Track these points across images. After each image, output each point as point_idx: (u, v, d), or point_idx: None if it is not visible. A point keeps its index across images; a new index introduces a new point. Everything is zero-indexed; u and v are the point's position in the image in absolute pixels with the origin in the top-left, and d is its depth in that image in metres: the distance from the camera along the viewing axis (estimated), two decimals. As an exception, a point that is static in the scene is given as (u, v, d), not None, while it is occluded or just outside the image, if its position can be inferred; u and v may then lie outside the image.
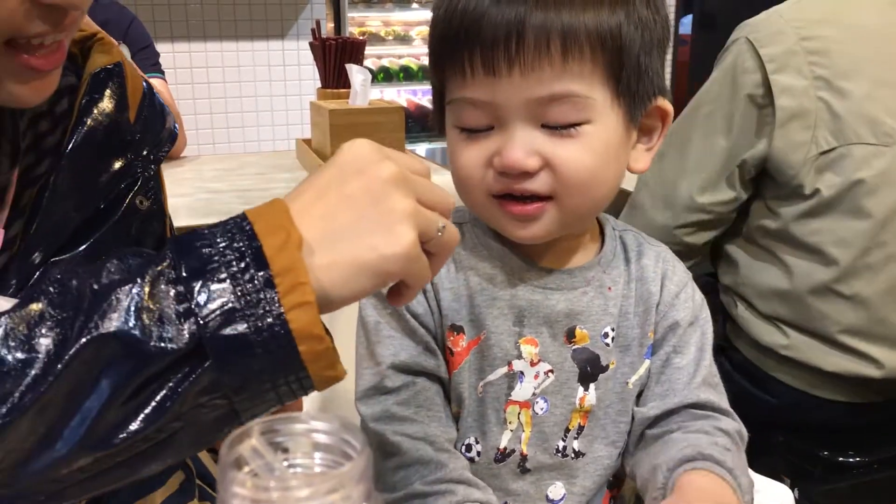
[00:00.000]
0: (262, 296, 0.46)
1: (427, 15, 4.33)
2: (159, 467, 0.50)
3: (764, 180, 1.36)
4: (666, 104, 0.74)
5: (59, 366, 0.45)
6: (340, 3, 3.88)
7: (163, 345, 0.46)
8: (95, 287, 0.47)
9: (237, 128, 3.87)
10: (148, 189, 0.74)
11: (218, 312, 0.46)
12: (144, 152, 0.74)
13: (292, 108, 3.91)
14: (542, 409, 0.78)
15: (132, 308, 0.46)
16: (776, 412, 1.40)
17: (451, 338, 0.77)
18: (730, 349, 1.48)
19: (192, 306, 0.46)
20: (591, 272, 0.79)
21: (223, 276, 0.47)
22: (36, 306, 0.47)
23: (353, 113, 1.99)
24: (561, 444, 0.79)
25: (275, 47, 3.84)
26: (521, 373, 0.77)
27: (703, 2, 4.09)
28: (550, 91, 0.67)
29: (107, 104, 0.70)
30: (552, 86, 0.67)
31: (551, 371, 0.77)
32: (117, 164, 0.71)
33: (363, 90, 1.99)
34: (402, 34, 4.26)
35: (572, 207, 0.71)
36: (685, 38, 4.63)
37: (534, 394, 0.77)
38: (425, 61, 4.26)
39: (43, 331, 0.46)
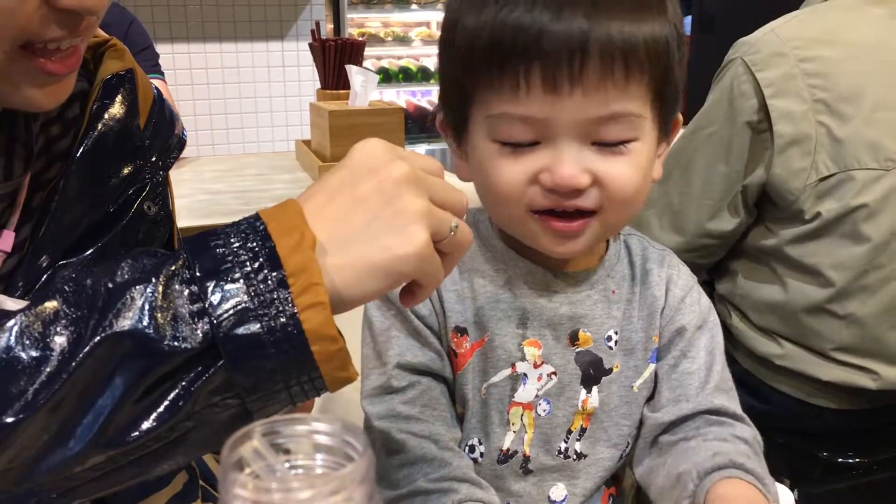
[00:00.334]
0: (275, 296, 0.47)
1: (427, 16, 4.33)
2: (171, 466, 0.50)
3: (764, 204, 1.35)
4: (679, 116, 0.75)
5: (73, 364, 0.45)
6: (340, 4, 3.89)
7: (176, 344, 0.46)
8: (110, 286, 0.47)
9: (237, 129, 3.87)
10: (156, 195, 0.74)
11: (231, 312, 0.46)
12: (153, 158, 0.74)
13: (292, 110, 3.91)
14: (544, 410, 0.78)
15: (146, 307, 0.46)
16: (773, 419, 1.39)
17: (455, 339, 0.77)
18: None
19: (206, 306, 0.46)
20: (596, 276, 0.79)
21: (237, 275, 0.47)
22: (51, 304, 0.47)
23: (352, 114, 1.99)
24: (563, 445, 0.79)
25: (274, 48, 3.84)
26: (525, 375, 0.77)
27: (701, 3, 4.08)
28: (611, 111, 0.66)
29: (118, 110, 0.70)
30: (613, 106, 0.66)
31: (554, 373, 0.78)
32: (126, 170, 0.71)
33: (363, 91, 1.99)
34: (401, 35, 4.26)
35: (613, 222, 0.72)
36: (685, 39, 4.63)
37: (536, 396, 0.78)
38: (424, 62, 4.26)
39: (57, 329, 0.46)
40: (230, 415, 0.49)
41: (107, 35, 0.73)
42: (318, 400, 1.08)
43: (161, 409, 0.46)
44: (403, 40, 4.26)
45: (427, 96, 4.44)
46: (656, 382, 0.82)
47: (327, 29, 3.90)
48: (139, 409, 0.46)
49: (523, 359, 0.77)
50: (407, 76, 4.18)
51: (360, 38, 2.27)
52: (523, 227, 0.72)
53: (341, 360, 0.49)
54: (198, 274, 0.47)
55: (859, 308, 1.28)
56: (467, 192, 0.59)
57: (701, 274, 1.52)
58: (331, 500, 0.34)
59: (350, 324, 0.80)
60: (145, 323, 0.46)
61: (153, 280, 0.47)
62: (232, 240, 0.48)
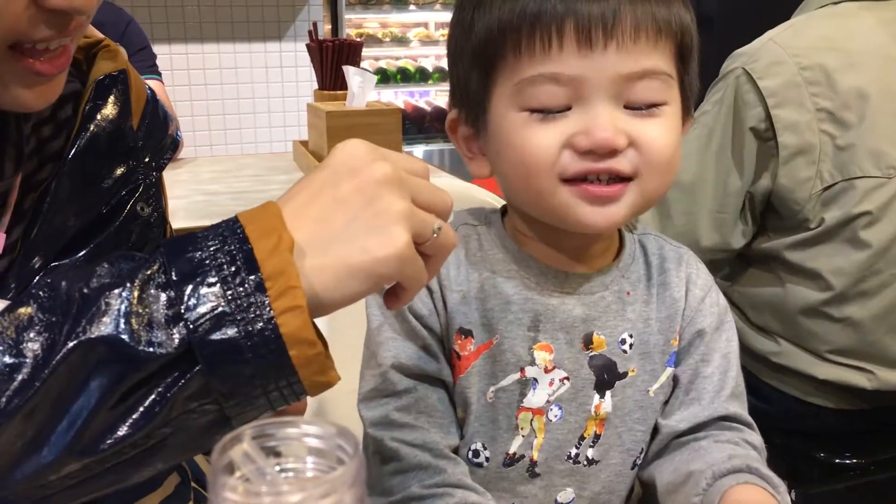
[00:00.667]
0: (252, 300, 0.46)
1: (424, 17, 4.34)
2: (150, 473, 0.50)
3: (768, 212, 1.35)
4: (692, 111, 0.76)
5: (47, 370, 0.45)
6: (338, 4, 3.88)
7: (151, 349, 0.45)
8: (85, 291, 0.47)
9: (234, 129, 3.87)
10: (149, 196, 0.74)
11: (208, 317, 0.46)
12: (146, 159, 0.74)
13: (289, 110, 3.91)
14: (556, 416, 0.76)
15: (121, 312, 0.46)
16: (773, 419, 1.39)
17: (459, 341, 0.76)
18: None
19: (182, 310, 0.46)
20: (610, 276, 0.78)
21: (213, 279, 0.46)
22: (25, 310, 0.46)
23: (350, 115, 1.99)
24: (574, 451, 0.78)
25: (272, 49, 3.84)
26: (535, 379, 0.76)
27: (699, 3, 4.09)
28: (643, 67, 0.67)
29: (110, 111, 0.70)
30: (644, 62, 0.67)
31: (567, 378, 0.76)
32: (119, 171, 0.71)
33: (360, 92, 1.98)
34: (399, 36, 4.26)
35: (651, 189, 0.70)
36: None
37: (548, 401, 0.76)
38: (422, 63, 4.26)
39: (31, 335, 0.46)
40: (208, 420, 0.48)
41: (100, 35, 0.73)
42: (311, 403, 1.08)
43: (137, 415, 0.46)
44: (401, 41, 4.26)
45: (425, 97, 4.44)
46: (673, 387, 0.81)
47: (325, 29, 3.90)
48: (115, 415, 0.46)
49: (533, 363, 0.75)
50: (405, 77, 4.18)
51: (358, 39, 2.27)
52: (554, 199, 0.69)
53: (320, 365, 0.48)
54: (174, 278, 0.46)
55: (857, 312, 1.29)
56: (453, 193, 0.58)
57: None
58: (321, 502, 0.34)
59: (349, 324, 0.80)
60: (120, 328, 0.45)
61: (128, 285, 0.47)
62: (209, 243, 0.48)
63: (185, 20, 3.66)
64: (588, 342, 0.76)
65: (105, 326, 0.46)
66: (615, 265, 0.78)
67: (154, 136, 0.75)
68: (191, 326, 0.45)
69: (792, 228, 1.31)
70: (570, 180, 0.68)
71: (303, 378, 0.48)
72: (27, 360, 0.45)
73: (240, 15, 3.74)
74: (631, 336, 0.78)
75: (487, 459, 0.78)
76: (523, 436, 0.77)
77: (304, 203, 0.51)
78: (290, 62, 3.87)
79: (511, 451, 0.77)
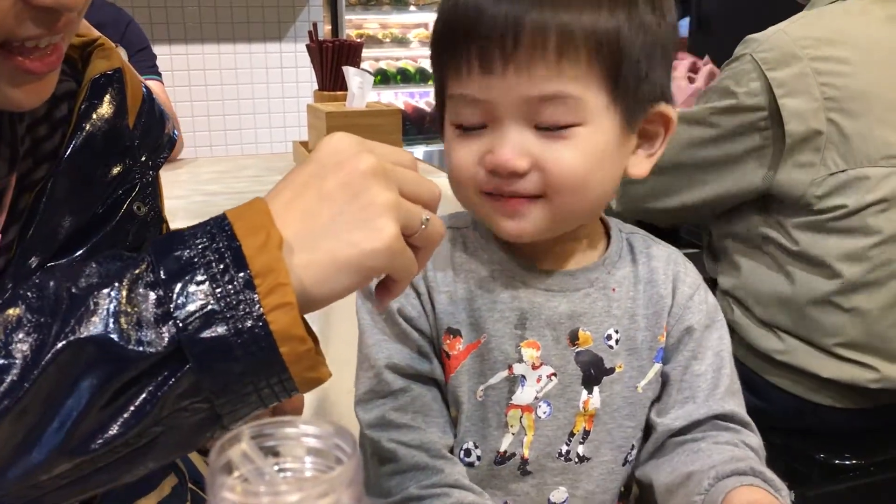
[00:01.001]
0: (241, 297, 0.46)
1: (425, 17, 4.34)
2: (142, 472, 0.50)
3: (771, 197, 1.36)
4: (669, 110, 0.74)
5: (36, 371, 0.45)
6: (338, 5, 3.88)
7: (141, 349, 0.45)
8: (73, 291, 0.47)
9: (234, 130, 3.86)
10: (146, 195, 0.74)
11: (197, 315, 0.46)
12: (143, 158, 0.73)
13: (289, 111, 3.91)
14: (544, 412, 0.77)
15: (110, 312, 0.46)
16: (773, 418, 1.39)
17: (448, 341, 0.77)
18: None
19: (171, 309, 0.46)
20: (595, 273, 0.79)
21: (202, 277, 0.46)
22: (13, 311, 0.46)
23: (350, 115, 1.99)
24: (565, 448, 0.78)
25: (272, 49, 3.83)
26: (523, 376, 0.77)
27: (699, 4, 4.08)
28: (543, 91, 0.67)
29: (106, 110, 0.70)
30: (546, 86, 0.66)
31: (554, 374, 0.77)
32: (115, 170, 0.71)
33: (360, 93, 1.98)
34: (399, 37, 4.26)
35: (562, 208, 0.71)
36: (682, 40, 4.63)
37: (536, 398, 0.77)
38: (423, 64, 4.27)
39: (20, 336, 0.45)
40: (199, 419, 0.48)
41: (96, 34, 0.73)
42: (309, 403, 1.08)
43: (128, 414, 0.46)
44: (401, 42, 4.26)
45: (425, 98, 4.44)
46: (664, 384, 0.81)
47: (325, 30, 3.90)
48: (105, 415, 0.46)
49: (520, 360, 0.76)
50: (405, 77, 4.18)
51: (358, 40, 2.27)
52: (479, 209, 0.74)
53: (311, 361, 0.48)
54: (162, 276, 0.46)
55: (865, 302, 1.30)
56: (448, 194, 0.58)
57: (703, 271, 1.53)
58: (319, 502, 0.34)
59: (347, 325, 0.80)
60: (110, 328, 0.45)
61: (117, 284, 0.47)
62: (198, 241, 0.47)
63: (186, 21, 3.66)
64: (574, 338, 0.77)
65: (94, 326, 0.45)
66: (600, 262, 0.79)
67: (150, 135, 0.74)
68: (180, 325, 0.45)
69: (794, 212, 1.32)
70: (489, 193, 0.71)
71: (294, 375, 0.48)
72: (16, 362, 0.45)
73: (240, 15, 3.74)
74: (617, 332, 0.78)
75: (479, 458, 0.78)
76: (513, 433, 0.77)
77: (291, 199, 0.51)
78: (290, 63, 3.87)
79: (502, 449, 0.78)
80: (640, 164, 0.75)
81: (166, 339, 0.45)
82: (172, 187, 1.93)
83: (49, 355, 0.45)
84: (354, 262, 0.49)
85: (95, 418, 0.46)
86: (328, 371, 0.50)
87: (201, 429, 0.48)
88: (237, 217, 0.49)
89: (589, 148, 0.69)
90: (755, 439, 0.78)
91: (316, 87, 2.22)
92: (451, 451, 0.78)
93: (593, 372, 0.78)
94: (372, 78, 2.02)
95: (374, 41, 4.19)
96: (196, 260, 0.47)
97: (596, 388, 0.78)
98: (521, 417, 0.77)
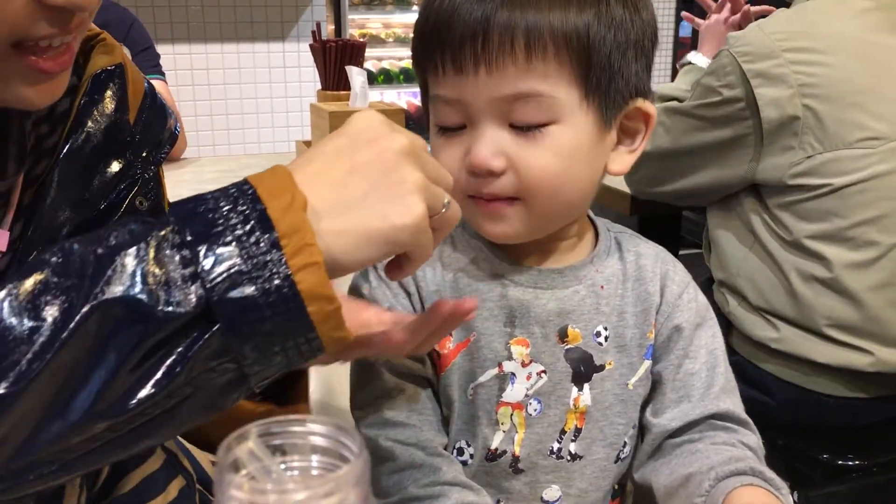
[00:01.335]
0: (268, 258, 0.46)
1: (427, 17, 4.35)
2: (170, 435, 0.50)
3: (756, 182, 1.41)
4: (647, 106, 0.74)
5: (66, 333, 0.45)
6: (341, 5, 3.89)
7: (170, 309, 0.45)
8: (99, 251, 0.47)
9: (237, 129, 3.87)
10: (148, 190, 0.74)
11: (224, 275, 0.46)
12: (144, 153, 0.73)
13: (292, 110, 3.91)
14: (535, 410, 0.77)
15: (137, 273, 0.46)
16: (773, 412, 1.41)
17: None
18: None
19: (199, 270, 0.46)
20: (583, 271, 0.79)
21: (228, 238, 0.46)
22: (39, 275, 0.46)
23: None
24: (556, 445, 0.78)
25: (275, 49, 3.84)
26: (513, 374, 0.77)
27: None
28: (515, 90, 0.67)
29: (107, 105, 0.70)
30: (516, 84, 0.67)
31: (544, 372, 0.77)
32: (117, 166, 0.71)
33: (363, 92, 1.99)
34: (402, 36, 4.27)
35: (540, 210, 0.71)
36: (684, 40, 4.63)
37: (526, 395, 0.77)
38: (426, 63, 4.26)
39: (48, 299, 0.45)
40: (227, 379, 0.48)
41: (97, 29, 0.73)
42: (315, 401, 1.08)
43: (158, 376, 0.46)
44: (405, 41, 4.26)
45: (428, 97, 4.44)
46: (657, 384, 0.81)
47: (328, 30, 3.90)
48: (136, 377, 0.46)
49: (510, 358, 0.77)
50: (408, 77, 4.18)
51: (361, 39, 2.27)
52: (463, 211, 0.73)
53: (338, 320, 0.49)
54: (188, 238, 0.46)
55: (853, 282, 1.33)
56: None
57: (706, 272, 1.58)
58: (326, 501, 0.34)
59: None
60: (138, 289, 0.45)
61: (143, 245, 0.47)
62: (221, 203, 0.48)
63: (189, 20, 3.66)
64: (563, 335, 0.77)
65: (122, 287, 0.45)
66: (588, 260, 0.80)
67: (152, 131, 0.75)
68: (208, 286, 0.46)
69: (780, 193, 1.38)
70: (471, 196, 0.72)
71: (321, 334, 0.48)
72: (46, 324, 0.45)
73: (243, 15, 3.75)
74: (606, 329, 0.79)
75: (471, 457, 0.78)
76: (504, 431, 0.77)
77: (322, 168, 0.52)
78: (294, 62, 3.87)
79: (493, 447, 0.78)
80: (622, 161, 0.75)
81: (194, 300, 0.46)
82: (175, 187, 1.93)
83: (78, 317, 0.45)
84: (383, 234, 0.51)
85: (126, 380, 0.45)
86: (350, 331, 0.50)
87: (228, 389, 0.49)
88: (259, 181, 0.49)
89: (563, 146, 0.69)
90: (753, 438, 0.78)
91: (319, 86, 2.22)
92: (446, 450, 0.78)
93: (583, 369, 0.78)
94: (364, 72, 2.03)
95: (377, 41, 4.20)
96: (221, 222, 0.47)
97: (586, 386, 0.78)
98: (512, 415, 0.77)
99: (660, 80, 4.41)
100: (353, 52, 2.13)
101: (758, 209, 1.42)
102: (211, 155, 3.46)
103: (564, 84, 0.68)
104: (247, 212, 0.47)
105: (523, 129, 0.68)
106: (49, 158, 0.67)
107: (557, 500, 0.80)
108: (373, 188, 0.51)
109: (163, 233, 0.47)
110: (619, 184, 1.65)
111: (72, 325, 0.45)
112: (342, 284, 0.68)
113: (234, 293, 0.46)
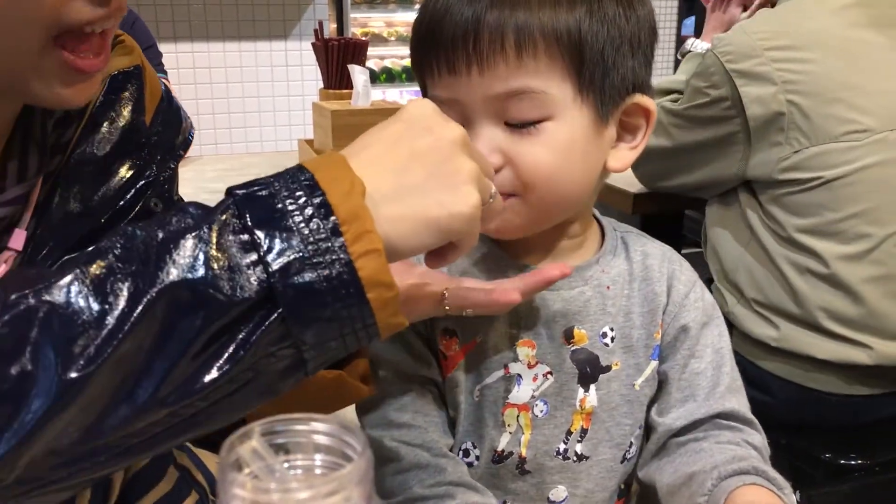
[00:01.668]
0: (329, 244, 0.47)
1: (429, 16, 4.35)
2: (226, 421, 0.49)
3: (748, 179, 1.44)
4: (646, 101, 0.73)
5: (134, 317, 0.45)
6: (343, 3, 3.89)
7: (234, 294, 0.45)
8: (161, 236, 0.47)
9: (239, 128, 3.87)
10: (162, 191, 0.74)
11: (286, 261, 0.46)
12: (159, 156, 0.74)
13: (294, 109, 3.92)
14: (541, 411, 0.77)
15: (201, 257, 0.46)
16: (774, 411, 1.40)
17: (444, 342, 0.77)
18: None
19: (261, 255, 0.46)
20: (589, 271, 0.79)
21: (289, 224, 0.47)
22: (103, 261, 0.46)
23: (355, 114, 1.99)
24: (562, 446, 0.78)
25: (277, 48, 3.84)
26: (519, 375, 0.77)
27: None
28: (507, 87, 0.67)
29: (123, 106, 0.70)
30: (508, 82, 0.67)
31: (550, 373, 0.77)
32: (131, 167, 0.71)
33: (365, 91, 1.99)
34: (404, 35, 4.26)
35: (538, 204, 0.71)
36: (686, 38, 4.62)
37: (532, 396, 0.77)
38: (428, 62, 4.26)
39: (115, 283, 0.45)
40: (286, 365, 0.48)
41: (118, 30, 0.73)
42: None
43: (222, 360, 0.46)
44: (407, 40, 4.26)
45: (430, 96, 4.44)
46: (663, 383, 0.81)
47: (330, 28, 3.90)
48: (200, 361, 0.46)
49: (516, 359, 0.76)
50: (410, 76, 4.18)
51: (364, 38, 2.27)
52: None
53: (395, 307, 0.49)
54: (249, 223, 0.46)
55: (849, 275, 1.33)
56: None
57: (707, 271, 1.58)
58: (329, 500, 0.34)
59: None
60: (201, 273, 0.45)
61: (206, 229, 0.47)
62: (280, 188, 0.48)
63: (191, 19, 3.66)
64: (569, 336, 0.77)
65: (186, 272, 0.45)
66: (594, 260, 0.79)
67: (167, 133, 0.75)
68: (270, 270, 0.46)
69: (770, 188, 1.40)
70: None
71: (379, 320, 0.48)
72: (114, 308, 0.45)
73: (245, 14, 3.75)
74: (612, 329, 0.78)
75: (477, 458, 0.78)
76: (510, 432, 0.77)
77: (381, 153, 0.52)
78: (296, 61, 3.88)
79: (499, 448, 0.78)
80: (622, 158, 0.75)
81: (256, 286, 0.46)
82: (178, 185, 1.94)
83: (145, 301, 0.45)
84: (441, 221, 0.51)
85: (190, 365, 0.45)
86: (405, 318, 0.51)
87: (286, 374, 0.49)
88: (316, 168, 0.49)
89: (559, 142, 0.69)
90: (758, 437, 0.78)
91: (321, 85, 2.22)
92: (451, 451, 0.78)
93: (589, 370, 0.78)
94: (366, 70, 2.03)
95: (380, 39, 4.20)
96: (280, 207, 0.47)
97: (592, 387, 0.78)
98: (518, 416, 0.77)
99: (662, 77, 4.40)
100: (355, 50, 2.13)
101: (753, 205, 1.44)
102: (213, 154, 3.46)
103: (557, 80, 0.68)
104: (305, 198, 0.47)
105: (518, 127, 0.69)
106: (62, 155, 0.67)
107: (564, 500, 0.80)
108: (430, 176, 0.52)
109: (224, 217, 0.47)
110: (622, 182, 1.65)
111: (139, 310, 0.45)
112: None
113: (296, 279, 0.46)
